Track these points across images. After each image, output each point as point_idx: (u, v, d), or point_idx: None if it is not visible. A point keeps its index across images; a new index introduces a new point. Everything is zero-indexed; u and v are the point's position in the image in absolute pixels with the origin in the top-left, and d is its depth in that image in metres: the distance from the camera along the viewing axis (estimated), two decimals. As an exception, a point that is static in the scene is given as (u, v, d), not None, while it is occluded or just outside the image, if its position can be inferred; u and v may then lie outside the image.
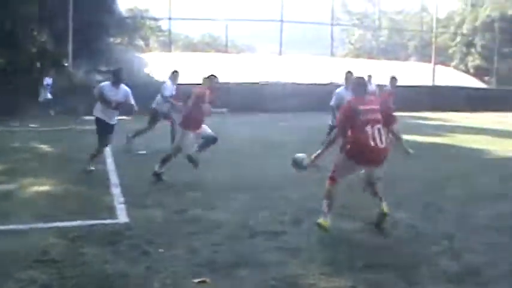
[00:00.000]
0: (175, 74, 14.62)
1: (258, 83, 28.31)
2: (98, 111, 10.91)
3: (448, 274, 5.56)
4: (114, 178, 10.13)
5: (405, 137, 14.26)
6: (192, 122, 10.15)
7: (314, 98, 23.97)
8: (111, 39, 31.04)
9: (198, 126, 10.25)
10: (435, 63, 35.33)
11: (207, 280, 5.19)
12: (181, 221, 7.32)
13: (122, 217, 7.50)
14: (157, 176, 9.96)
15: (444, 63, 45.92)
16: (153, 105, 14.25)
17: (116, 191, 9.10)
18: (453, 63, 52.56)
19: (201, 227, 7.00)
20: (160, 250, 6.03)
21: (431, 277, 5.48)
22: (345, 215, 7.52)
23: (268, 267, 5.60)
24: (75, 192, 9.03)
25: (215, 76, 10.43)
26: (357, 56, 54.24)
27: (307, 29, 47.57)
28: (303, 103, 26.32)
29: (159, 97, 14.25)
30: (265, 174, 10.69)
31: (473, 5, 60.74)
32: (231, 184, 9.81)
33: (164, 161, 10.08)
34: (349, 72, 11.82)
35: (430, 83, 33.55)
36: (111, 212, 7.79)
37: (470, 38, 56.04)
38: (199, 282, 5.15)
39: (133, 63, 28.75)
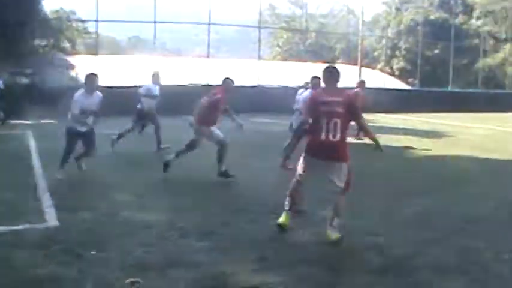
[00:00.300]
0: (156, 74, 14.62)
1: (186, 85, 28.23)
2: (70, 121, 10.28)
3: (373, 266, 5.82)
4: (41, 182, 9.95)
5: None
6: (207, 122, 10.36)
7: (245, 99, 23.95)
8: (36, 41, 30.40)
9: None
10: (361, 66, 36.02)
11: (140, 280, 5.22)
12: (111, 223, 7.30)
13: (52, 220, 7.37)
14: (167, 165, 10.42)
15: (370, 65, 46.97)
16: (138, 106, 14.23)
17: (45, 194, 8.93)
18: (379, 66, 53.75)
19: (132, 228, 7.01)
20: (92, 252, 6.00)
21: (357, 270, 5.75)
22: (275, 214, 7.68)
23: (200, 267, 5.68)
24: (1, 197, 8.84)
25: (231, 80, 10.74)
26: (285, 58, 54.80)
27: (235, 32, 47.72)
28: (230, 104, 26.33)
29: (144, 98, 14.20)
30: (195, 175, 10.74)
31: (397, 9, 62.22)
32: (161, 185, 9.85)
33: (178, 154, 10.47)
34: (316, 77, 11.06)
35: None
36: (40, 215, 7.64)
37: (395, 41, 57.44)
38: (132, 282, 5.17)
39: (58, 66, 28.28)
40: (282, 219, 6.87)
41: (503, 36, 54.56)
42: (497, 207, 8.83)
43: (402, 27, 57.30)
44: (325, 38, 62.67)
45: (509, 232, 7.45)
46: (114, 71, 26.99)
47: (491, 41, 55.65)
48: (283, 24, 60.68)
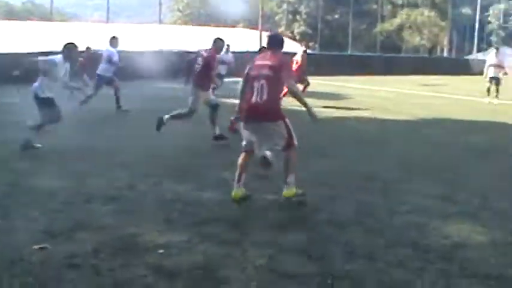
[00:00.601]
0: (115, 39, 15.10)
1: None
2: (46, 90, 9.71)
3: (275, 223, 6.09)
4: None
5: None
6: (203, 84, 10.68)
7: (145, 65, 23.66)
8: None
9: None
10: (262, 30, 36.22)
11: (48, 246, 5.21)
12: (16, 192, 7.16)
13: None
14: (160, 124, 10.55)
15: (271, 29, 47.27)
16: (98, 72, 14.92)
17: None
18: (280, 30, 54.27)
19: (36, 196, 6.92)
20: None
21: (260, 227, 5.97)
22: (178, 177, 7.78)
23: (106, 229, 5.72)
24: None
25: (222, 40, 11.09)
26: (186, 22, 54.39)
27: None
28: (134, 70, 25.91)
29: (103, 64, 14.82)
30: (99, 143, 10.62)
31: (299, -26, 62.85)
32: (67, 152, 9.68)
33: (174, 117, 10.55)
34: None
35: (257, 49, 34.21)
36: None
37: (296, 6, 58.09)
38: (40, 248, 5.16)
39: None
40: (233, 193, 6.87)
41: (400, 2, 56.19)
42: (393, 165, 9.30)
43: (303, -9, 58.02)
44: (226, 2, 62.60)
45: (401, 187, 7.89)
46: (10, 36, 26.08)
47: (389, 7, 57.27)
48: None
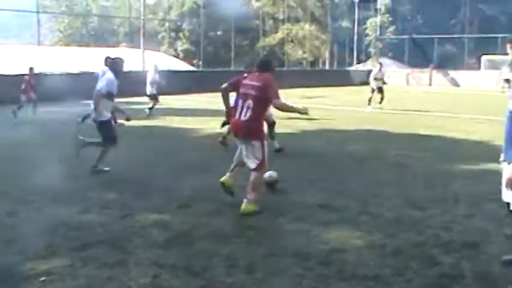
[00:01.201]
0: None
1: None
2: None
3: (158, 241, 6.14)
4: None
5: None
6: None
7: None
8: None
9: None
10: (145, 49, 36.04)
11: None
12: None
13: None
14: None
15: (154, 48, 47.06)
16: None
17: None
18: (163, 48, 54.05)
19: None
20: None
21: (143, 246, 6.00)
22: (61, 200, 7.71)
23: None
24: None
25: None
26: (67, 43, 53.28)
27: (13, 17, 45.38)
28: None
29: None
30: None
31: (180, -9, 62.93)
32: None
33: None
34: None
35: (140, 69, 33.88)
36: None
37: (178, 23, 58.11)
38: None
39: None
40: (222, 179, 7.62)
41: (281, 17, 57.34)
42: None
43: (185, 9, 58.15)
44: (108, 22, 61.86)
45: (283, 198, 8.18)
46: None
47: (271, 22, 58.30)
48: (64, 9, 58.80)
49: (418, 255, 5.74)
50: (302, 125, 17.30)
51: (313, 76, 45.21)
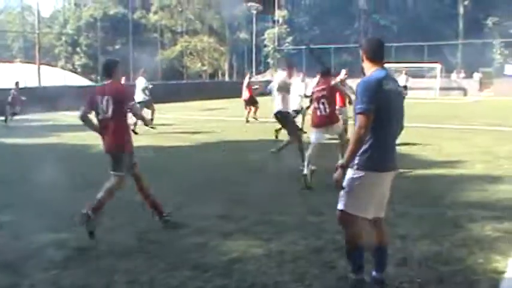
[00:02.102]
0: None
1: None
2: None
3: (56, 262, 5.98)
4: None
5: (13, 140, 14.35)
6: None
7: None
8: None
9: None
10: (41, 64, 35.08)
11: None
12: None
13: None
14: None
15: (51, 63, 46.02)
16: None
17: None
18: (60, 63, 52.95)
19: None
20: None
21: (40, 267, 5.84)
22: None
23: None
24: None
25: None
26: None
27: None
28: None
29: None
30: None
31: (76, 5, 61.83)
32: None
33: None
34: None
35: (36, 84, 32.96)
36: None
37: (75, 37, 57.05)
38: None
39: None
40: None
41: (179, 29, 57.36)
42: (173, 191, 9.57)
43: (82, 23, 57.20)
44: (1, 36, 59.99)
45: (182, 211, 8.11)
46: None
47: (169, 34, 58.19)
48: None
49: (317, 260, 5.87)
50: (202, 137, 17.35)
51: (213, 88, 45.31)
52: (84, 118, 7.32)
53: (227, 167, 12.06)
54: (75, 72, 50.12)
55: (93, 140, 16.67)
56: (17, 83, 24.08)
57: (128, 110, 7.22)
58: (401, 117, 5.04)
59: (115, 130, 7.14)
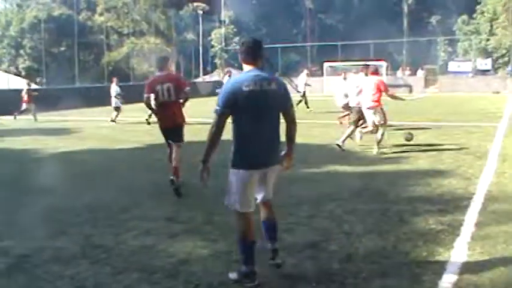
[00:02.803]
0: None
1: None
2: None
3: (-3, 269, 5.85)
4: None
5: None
6: None
7: None
8: None
9: None
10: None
11: None
12: None
13: None
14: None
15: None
16: None
17: None
18: (3, 66, 51.93)
19: None
20: None
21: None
22: None
23: None
24: None
25: None
26: None
27: None
28: None
29: None
30: None
31: (19, 6, 60.65)
32: None
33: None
34: None
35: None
36: None
37: (19, 40, 55.98)
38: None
39: None
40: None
41: (126, 31, 56.86)
42: (119, 194, 9.49)
43: (25, 24, 56.14)
44: None
45: (128, 214, 8.05)
46: None
47: (116, 36, 57.64)
48: None
49: (263, 259, 5.88)
50: (144, 139, 17.19)
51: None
52: (148, 101, 9.63)
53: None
54: (19, 75, 49.10)
55: (35, 144, 16.55)
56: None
57: (184, 94, 9.70)
58: (276, 115, 5.30)
59: (178, 110, 9.63)
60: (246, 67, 5.25)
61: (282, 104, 5.33)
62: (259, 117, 5.14)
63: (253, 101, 5.06)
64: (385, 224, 7.13)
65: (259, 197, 5.47)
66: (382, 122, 13.13)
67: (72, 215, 8.05)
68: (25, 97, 26.60)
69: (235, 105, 5.05)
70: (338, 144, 13.58)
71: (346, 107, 16.91)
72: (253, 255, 5.27)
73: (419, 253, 5.97)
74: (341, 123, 19.22)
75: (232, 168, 5.23)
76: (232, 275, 5.38)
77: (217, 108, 5.09)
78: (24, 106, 26.69)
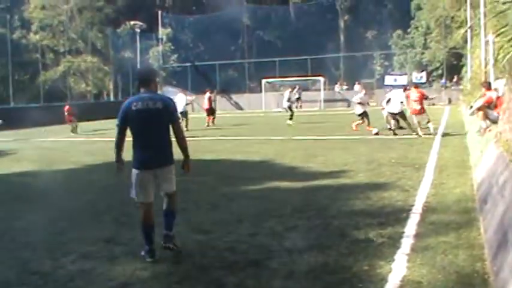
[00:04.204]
0: None
1: None
2: None
3: None
4: None
5: None
6: None
7: None
8: None
9: None
10: None
11: None
12: None
13: None
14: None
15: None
16: None
17: None
18: None
19: None
20: None
21: None
22: None
23: None
24: None
25: None
26: None
27: None
28: None
29: None
30: None
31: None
32: None
33: None
34: None
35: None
36: None
37: None
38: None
39: None
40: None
41: (62, 49, 56.00)
42: (54, 217, 9.20)
43: None
44: None
45: (65, 237, 7.83)
46: None
47: (52, 55, 56.69)
48: None
49: (204, 278, 5.79)
50: (84, 159, 16.89)
51: (100, 109, 44.41)
52: None
53: (113, 189, 11.72)
54: None
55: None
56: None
57: None
58: (162, 128, 6.57)
59: None
60: (141, 90, 6.62)
61: (166, 119, 6.57)
62: (144, 130, 6.50)
63: (138, 117, 6.42)
64: (326, 239, 7.12)
65: (162, 190, 6.74)
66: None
67: (7, 239, 7.80)
68: None
69: (127, 121, 6.48)
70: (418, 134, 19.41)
71: (362, 115, 22.10)
72: (152, 236, 6.60)
73: (360, 267, 5.96)
74: (356, 129, 22.41)
75: (133, 168, 6.57)
76: (142, 252, 6.62)
77: (116, 122, 6.58)
78: None
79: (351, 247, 6.72)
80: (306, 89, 52.03)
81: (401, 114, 20.20)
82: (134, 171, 6.54)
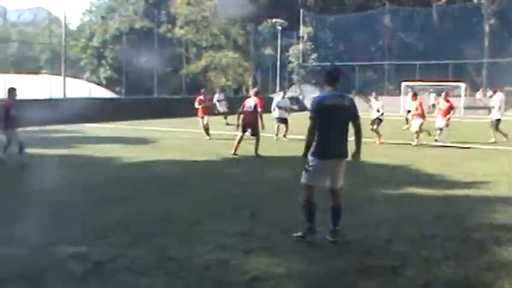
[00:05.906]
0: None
1: None
2: None
3: (76, 275, 5.94)
4: None
5: (35, 151, 14.49)
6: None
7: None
8: None
9: None
10: (67, 76, 35.25)
11: None
12: None
13: None
14: None
15: (76, 75, 46.31)
16: None
17: None
18: (86, 75, 53.32)
19: None
20: None
21: (59, 279, 5.82)
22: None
23: None
24: None
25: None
26: (-15, 70, 51.84)
27: None
28: None
29: None
30: None
31: (103, 18, 62.33)
32: None
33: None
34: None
35: (61, 96, 33.03)
36: None
37: (101, 50, 57.48)
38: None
39: None
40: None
41: (204, 44, 57.55)
42: (193, 206, 9.50)
43: (108, 36, 57.62)
44: (29, 48, 60.65)
45: (202, 227, 8.04)
46: None
47: (194, 49, 58.41)
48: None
49: (340, 281, 5.77)
50: (221, 152, 17.22)
51: (237, 103, 45.20)
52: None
53: (249, 184, 11.88)
54: (100, 85, 50.35)
55: (117, 152, 16.83)
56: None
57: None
58: (345, 122, 7.21)
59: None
60: (327, 88, 7.29)
61: (350, 115, 7.20)
62: (333, 123, 7.07)
63: (331, 112, 7.00)
64: (464, 252, 6.89)
65: (332, 182, 7.31)
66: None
67: (146, 225, 8.14)
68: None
69: (321, 114, 7.00)
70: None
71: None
72: (315, 214, 7.28)
73: (501, 285, 5.72)
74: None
75: (312, 157, 7.08)
76: (297, 234, 7.29)
77: (311, 115, 7.06)
78: None
79: (491, 262, 6.47)
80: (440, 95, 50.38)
81: None
82: (315, 159, 7.09)
